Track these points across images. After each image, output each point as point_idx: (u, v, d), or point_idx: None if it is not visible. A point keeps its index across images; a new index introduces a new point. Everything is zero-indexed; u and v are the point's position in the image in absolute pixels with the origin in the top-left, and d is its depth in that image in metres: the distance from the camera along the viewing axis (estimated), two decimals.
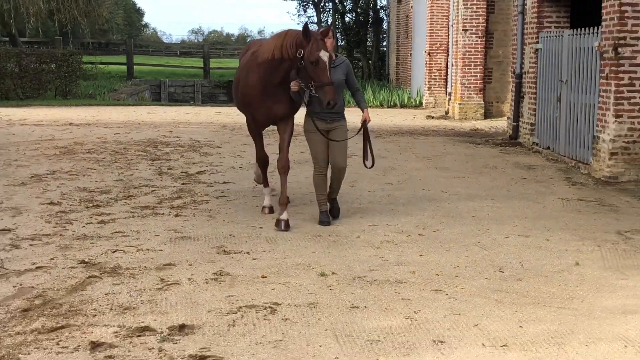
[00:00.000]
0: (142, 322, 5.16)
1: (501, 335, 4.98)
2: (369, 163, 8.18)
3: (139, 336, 4.91)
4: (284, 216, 7.82)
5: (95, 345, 4.76)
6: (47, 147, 13.81)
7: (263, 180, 8.82)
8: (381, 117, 20.89)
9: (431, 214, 8.60)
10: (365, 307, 5.48)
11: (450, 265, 6.58)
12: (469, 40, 20.04)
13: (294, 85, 7.75)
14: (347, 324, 5.14)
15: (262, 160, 8.70)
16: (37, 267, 6.43)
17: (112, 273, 6.28)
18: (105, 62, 36.97)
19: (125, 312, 5.36)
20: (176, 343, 4.81)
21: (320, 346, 4.75)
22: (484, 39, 20.06)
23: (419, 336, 4.94)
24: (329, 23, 41.15)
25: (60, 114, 20.55)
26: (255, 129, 8.57)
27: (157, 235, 7.58)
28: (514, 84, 15.16)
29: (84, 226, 7.95)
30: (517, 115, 15.03)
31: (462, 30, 20.01)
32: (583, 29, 11.95)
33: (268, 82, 7.87)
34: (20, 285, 5.96)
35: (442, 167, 12.05)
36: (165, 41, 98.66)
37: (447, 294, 5.81)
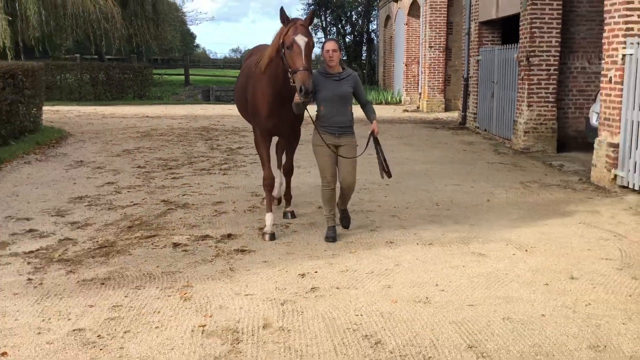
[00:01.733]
0: (204, 232, 6.17)
1: (429, 239, 5.97)
2: (386, 175, 6.13)
3: (202, 240, 5.94)
4: (290, 208, 6.79)
5: (175, 245, 5.79)
6: (131, 132, 14.72)
7: (268, 203, 6.21)
8: None
9: (397, 173, 9.49)
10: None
11: (404, 202, 7.53)
12: (434, 54, 20.67)
13: (296, 98, 5.57)
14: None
15: (270, 181, 6.29)
16: (134, 204, 7.45)
17: (183, 207, 7.29)
18: (168, 73, 37.77)
19: (193, 228, 6.37)
20: (225, 243, 5.83)
21: (316, 245, 5.76)
22: (444, 53, 20.65)
23: (378, 240, 5.94)
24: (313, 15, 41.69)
25: (138, 110, 21.40)
26: (265, 142, 6.23)
27: (211, 186, 8.55)
28: (463, 85, 15.98)
29: (162, 181, 8.94)
30: (465, 107, 15.86)
31: (429, 47, 20.68)
32: (508, 45, 12.79)
33: (275, 89, 5.84)
34: (125, 214, 6.98)
35: (409, 143, 12.90)
36: (211, 57, 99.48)
37: (399, 218, 6.77)
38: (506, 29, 14.86)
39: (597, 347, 3.70)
